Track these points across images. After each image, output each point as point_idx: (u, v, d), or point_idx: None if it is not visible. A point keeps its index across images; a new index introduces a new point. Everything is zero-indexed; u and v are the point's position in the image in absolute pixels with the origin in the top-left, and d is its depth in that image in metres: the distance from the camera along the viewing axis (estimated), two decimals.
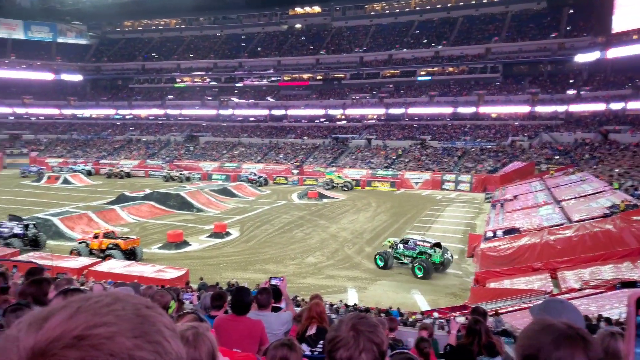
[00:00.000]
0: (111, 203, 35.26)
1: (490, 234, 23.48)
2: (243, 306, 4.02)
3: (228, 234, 27.97)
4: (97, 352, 0.59)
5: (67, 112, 77.12)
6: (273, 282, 5.46)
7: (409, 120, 62.11)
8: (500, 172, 45.57)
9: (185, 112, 73.99)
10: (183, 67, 78.50)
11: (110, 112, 77.28)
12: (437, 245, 21.34)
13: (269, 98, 72.10)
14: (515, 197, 33.71)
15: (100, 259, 21.71)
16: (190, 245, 25.84)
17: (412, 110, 62.01)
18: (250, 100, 72.58)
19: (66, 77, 79.04)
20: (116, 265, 20.27)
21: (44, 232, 26.03)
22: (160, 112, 75.06)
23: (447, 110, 60.37)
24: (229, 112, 72.10)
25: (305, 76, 72.80)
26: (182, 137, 69.31)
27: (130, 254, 22.71)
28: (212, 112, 72.87)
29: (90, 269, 19.60)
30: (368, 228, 29.88)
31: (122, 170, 55.60)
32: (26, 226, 24.76)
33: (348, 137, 61.46)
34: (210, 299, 4.63)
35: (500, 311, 13.75)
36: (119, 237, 23.87)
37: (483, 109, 58.72)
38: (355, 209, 36.55)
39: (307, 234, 28.49)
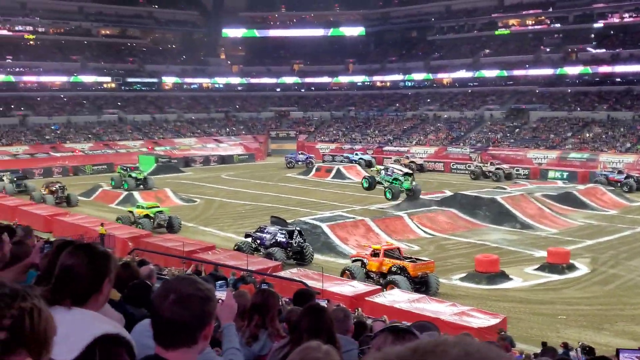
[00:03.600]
0: (396, 208, 37.80)
1: None
2: None
3: (571, 267, 27.61)
4: None
5: (344, 79, 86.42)
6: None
7: None
8: None
9: (507, 73, 74.61)
10: (508, 4, 79.09)
11: (399, 77, 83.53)
12: (409, 174, 40.28)
13: None
14: None
15: (379, 287, 23.44)
16: (510, 279, 26.16)
17: None
18: (618, 50, 68.46)
19: (345, 30, 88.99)
20: (400, 299, 21.49)
21: (311, 242, 29.58)
22: (470, 74, 77.35)
23: None
24: (577, 69, 69.82)
25: None
26: (501, 111, 70.22)
27: (421, 283, 23.90)
28: (550, 71, 71.91)
29: (366, 298, 21.28)
30: None
31: (412, 161, 59.59)
32: (290, 233, 28.48)
33: None
34: None
35: None
36: (406, 258, 25.38)
37: None
38: None
39: None
